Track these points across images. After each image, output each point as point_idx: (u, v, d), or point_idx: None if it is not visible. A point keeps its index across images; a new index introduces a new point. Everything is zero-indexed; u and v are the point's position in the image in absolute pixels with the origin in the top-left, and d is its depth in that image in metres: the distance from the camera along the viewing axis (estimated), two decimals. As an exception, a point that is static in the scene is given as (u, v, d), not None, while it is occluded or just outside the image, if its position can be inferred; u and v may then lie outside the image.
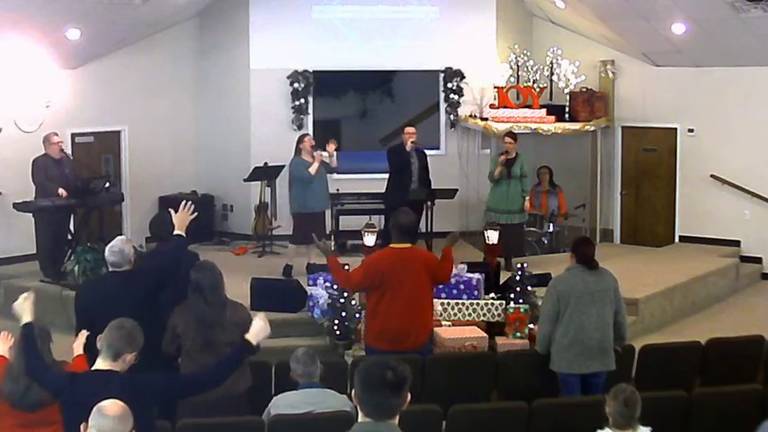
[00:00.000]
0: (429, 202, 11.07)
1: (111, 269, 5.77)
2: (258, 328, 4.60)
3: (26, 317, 4.77)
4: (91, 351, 5.50)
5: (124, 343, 4.25)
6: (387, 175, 10.93)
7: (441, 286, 8.05)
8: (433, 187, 11.00)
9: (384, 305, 6.44)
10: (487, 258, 9.23)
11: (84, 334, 5.31)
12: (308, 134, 10.61)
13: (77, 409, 4.08)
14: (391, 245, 6.62)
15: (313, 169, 10.06)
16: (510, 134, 10.87)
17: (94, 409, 3.57)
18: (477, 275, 8.56)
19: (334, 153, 10.38)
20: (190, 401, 5.54)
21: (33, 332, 4.75)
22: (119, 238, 5.95)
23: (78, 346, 5.28)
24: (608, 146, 12.86)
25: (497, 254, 9.32)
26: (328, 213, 11.38)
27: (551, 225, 12.22)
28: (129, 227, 11.98)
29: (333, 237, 11.50)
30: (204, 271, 5.65)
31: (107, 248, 5.78)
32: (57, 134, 10.18)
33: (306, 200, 10.20)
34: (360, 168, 12.25)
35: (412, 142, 10.60)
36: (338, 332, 8.13)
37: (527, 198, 10.80)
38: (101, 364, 4.26)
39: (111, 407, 3.57)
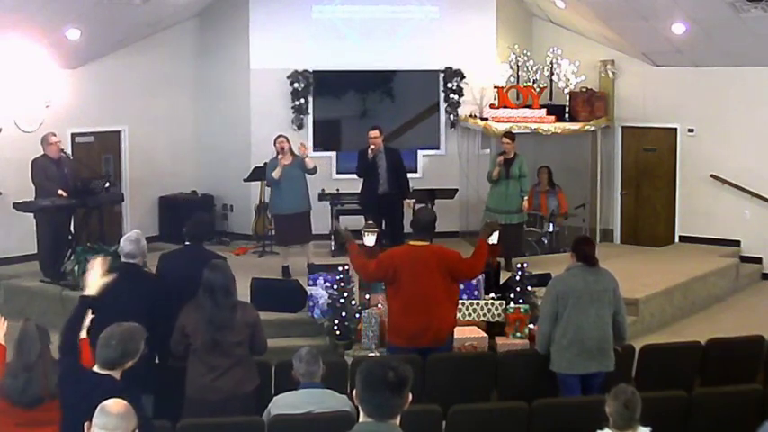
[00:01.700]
0: (429, 203, 11.05)
1: (123, 259, 5.85)
2: None
3: None
4: (91, 336, 5.55)
5: (117, 355, 4.25)
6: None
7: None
8: (428, 187, 10.95)
9: (399, 302, 6.51)
10: (488, 258, 9.23)
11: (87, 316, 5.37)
12: (280, 135, 10.33)
13: (70, 409, 4.11)
14: (410, 242, 6.69)
15: (276, 173, 9.99)
16: (507, 134, 10.86)
17: (98, 408, 3.59)
18: (477, 275, 8.55)
19: (307, 155, 10.25)
20: (196, 400, 5.56)
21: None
22: (135, 231, 6.17)
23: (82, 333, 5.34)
24: (608, 146, 12.86)
25: (497, 254, 9.31)
26: (328, 214, 11.41)
27: (551, 225, 12.22)
28: (129, 227, 11.94)
29: (332, 237, 11.51)
30: (217, 272, 5.64)
31: (124, 238, 5.98)
32: (54, 134, 10.16)
33: (275, 201, 10.24)
34: (360, 168, 12.23)
35: (372, 149, 10.34)
36: (338, 332, 8.13)
37: (526, 198, 10.79)
38: (98, 368, 4.28)
39: (114, 405, 3.60)
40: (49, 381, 4.81)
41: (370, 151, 10.35)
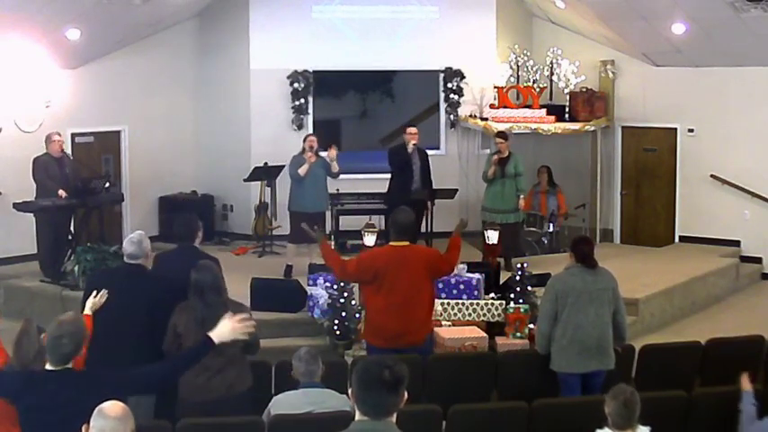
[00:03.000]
0: (430, 203, 11.06)
1: (126, 260, 5.85)
2: (225, 328, 4.43)
3: None
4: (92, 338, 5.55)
5: (70, 350, 4.22)
6: (387, 175, 10.93)
7: (440, 286, 8.07)
8: (433, 187, 10.99)
9: (379, 302, 6.47)
10: (487, 258, 9.24)
11: (104, 294, 5.46)
12: (311, 134, 10.60)
13: (35, 413, 4.09)
14: (390, 243, 6.65)
15: (302, 170, 10.08)
16: (500, 134, 10.90)
17: (96, 410, 3.60)
18: (477, 275, 8.55)
19: (335, 158, 10.34)
20: (190, 402, 5.55)
21: None
22: (138, 231, 6.11)
23: (87, 308, 5.42)
24: (608, 146, 12.86)
25: (497, 254, 9.32)
26: (328, 214, 11.40)
27: (551, 225, 12.22)
28: (129, 227, 11.96)
29: (332, 236, 11.50)
30: (204, 271, 5.64)
31: (126, 239, 5.95)
32: (59, 134, 10.21)
33: (296, 198, 10.31)
34: (360, 168, 12.24)
35: (414, 144, 10.56)
36: (338, 332, 8.13)
37: (522, 197, 10.79)
38: (53, 366, 4.23)
39: (111, 408, 3.60)
40: None
41: (412, 145, 10.48)
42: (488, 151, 12.08)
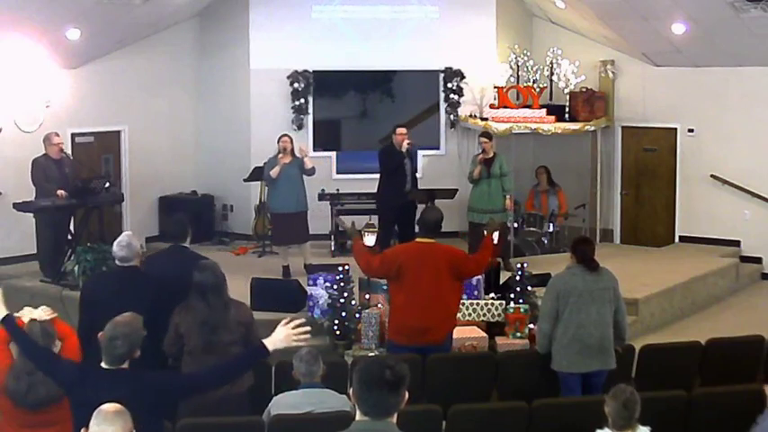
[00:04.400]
0: (429, 202, 11.05)
1: (118, 263, 5.83)
2: (280, 336, 4.37)
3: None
4: (89, 345, 5.53)
5: (125, 350, 4.27)
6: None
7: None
8: (428, 187, 10.98)
9: (402, 298, 6.53)
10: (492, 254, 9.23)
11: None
12: (285, 135, 10.43)
13: (87, 408, 4.11)
14: (416, 239, 6.75)
15: (273, 172, 10.06)
16: (485, 134, 10.91)
17: (95, 411, 3.59)
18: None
19: (306, 156, 10.24)
20: (190, 401, 5.55)
21: (14, 322, 4.83)
22: (125, 233, 6.07)
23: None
24: (608, 146, 12.86)
25: (497, 254, 9.32)
26: (328, 214, 11.42)
27: (551, 225, 12.22)
28: (129, 227, 11.93)
29: (332, 237, 11.52)
30: (206, 272, 5.63)
31: (115, 243, 5.90)
32: (58, 135, 10.19)
33: (271, 199, 10.35)
34: (360, 168, 12.24)
35: (408, 143, 10.52)
36: (338, 332, 8.14)
37: (508, 197, 10.78)
38: (108, 365, 4.28)
39: (110, 408, 3.60)
40: (52, 383, 4.78)
41: (407, 144, 10.44)
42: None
